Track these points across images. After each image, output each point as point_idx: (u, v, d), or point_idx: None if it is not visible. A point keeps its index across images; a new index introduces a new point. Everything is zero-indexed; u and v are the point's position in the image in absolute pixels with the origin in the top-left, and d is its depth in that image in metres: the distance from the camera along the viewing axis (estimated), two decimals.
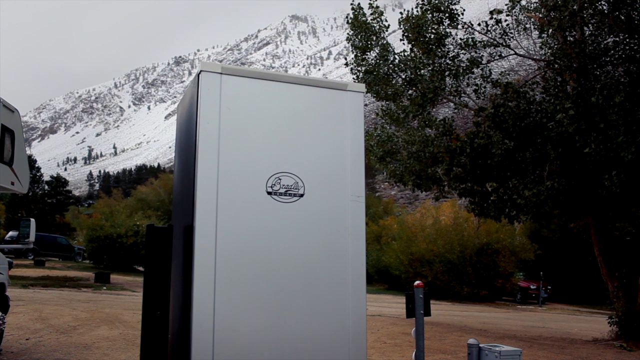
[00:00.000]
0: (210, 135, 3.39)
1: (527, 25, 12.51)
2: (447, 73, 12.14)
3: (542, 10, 10.95)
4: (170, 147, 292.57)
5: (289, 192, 3.52)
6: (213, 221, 3.30)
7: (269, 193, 3.47)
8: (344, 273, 3.58)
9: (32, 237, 6.75)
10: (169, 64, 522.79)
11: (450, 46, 12.48)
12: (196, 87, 3.51)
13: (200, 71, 3.49)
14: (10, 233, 32.01)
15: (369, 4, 13.02)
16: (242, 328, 3.30)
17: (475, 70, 12.36)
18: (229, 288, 3.29)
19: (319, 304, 3.50)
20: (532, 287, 26.23)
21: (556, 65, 10.79)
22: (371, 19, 12.72)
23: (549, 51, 11.30)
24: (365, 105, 4.02)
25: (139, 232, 27.11)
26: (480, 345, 4.94)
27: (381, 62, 12.44)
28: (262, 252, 3.41)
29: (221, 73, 3.50)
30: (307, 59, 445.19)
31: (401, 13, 12.50)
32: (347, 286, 3.57)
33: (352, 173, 3.71)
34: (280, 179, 3.51)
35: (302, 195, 3.55)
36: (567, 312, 22.71)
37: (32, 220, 6.91)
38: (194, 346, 3.16)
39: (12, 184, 6.64)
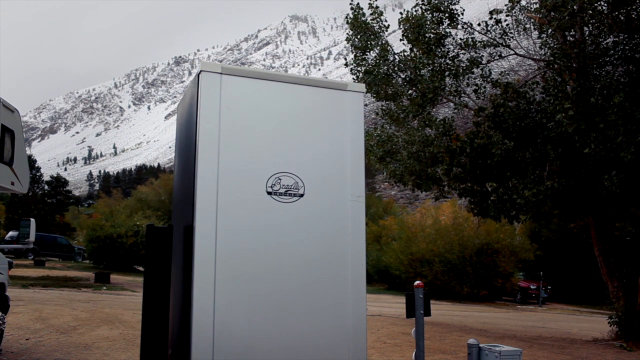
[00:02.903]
0: (210, 135, 3.39)
1: (527, 25, 12.50)
2: (447, 73, 12.13)
3: (542, 10, 10.95)
4: (170, 147, 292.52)
5: (289, 192, 3.52)
6: (213, 221, 3.31)
7: (269, 193, 3.47)
8: (344, 273, 3.58)
9: (32, 237, 6.74)
10: (169, 64, 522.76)
11: (450, 46, 12.47)
12: (196, 87, 3.51)
13: (200, 71, 3.49)
14: (10, 233, 32.02)
15: (369, 4, 13.01)
16: (242, 328, 3.30)
17: (475, 70, 12.35)
18: (229, 288, 3.29)
19: (319, 304, 3.50)
20: (532, 287, 26.23)
21: (556, 65, 10.79)
22: (371, 19, 12.72)
23: (549, 51, 11.30)
24: (365, 105, 4.02)
25: (139, 232, 27.10)
26: (480, 345, 4.94)
27: (381, 62, 12.44)
28: (262, 252, 3.42)
29: (221, 73, 3.50)
30: (307, 59, 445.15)
31: (401, 13, 12.49)
32: (347, 286, 3.57)
33: (352, 173, 3.71)
34: (280, 179, 3.51)
35: (302, 195, 3.55)
36: (567, 312, 22.71)
37: (32, 220, 6.91)
38: (194, 346, 3.17)
39: (12, 184, 6.64)
